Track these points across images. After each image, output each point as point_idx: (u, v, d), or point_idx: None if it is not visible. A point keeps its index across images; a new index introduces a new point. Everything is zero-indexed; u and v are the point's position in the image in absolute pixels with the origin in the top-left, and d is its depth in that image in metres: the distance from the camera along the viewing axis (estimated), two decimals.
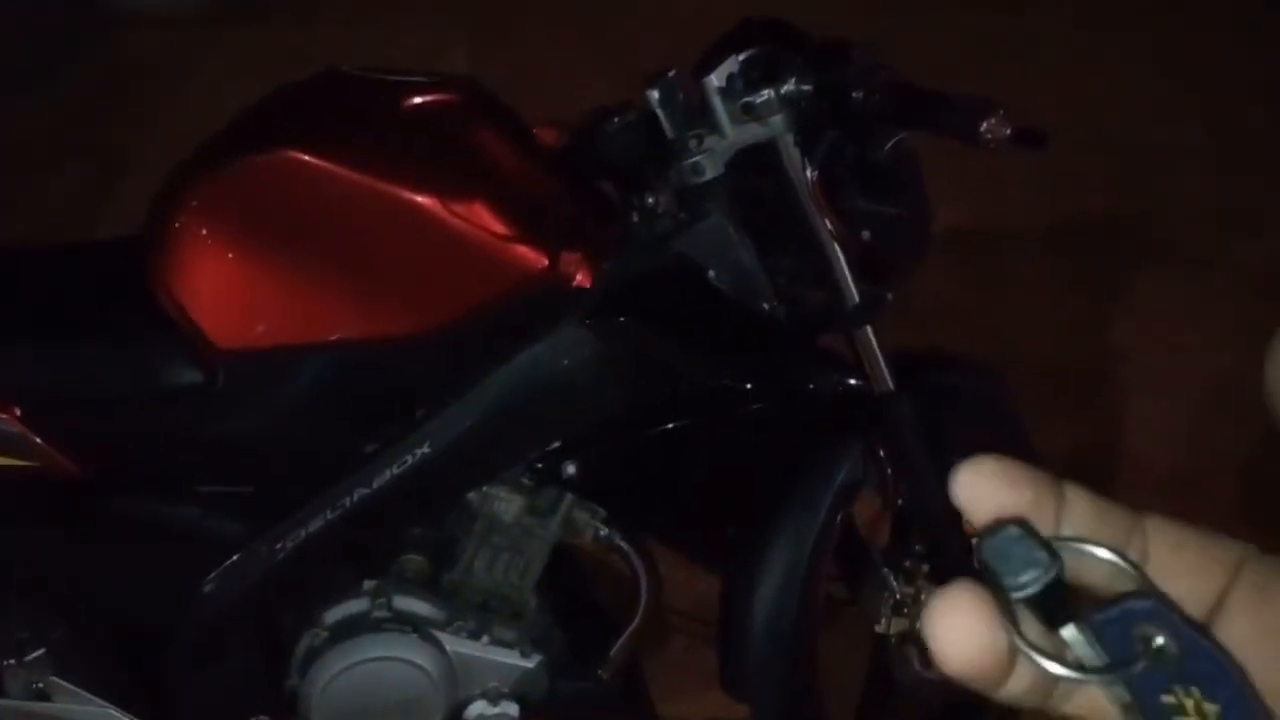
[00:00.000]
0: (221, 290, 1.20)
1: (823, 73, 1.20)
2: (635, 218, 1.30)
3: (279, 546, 1.30)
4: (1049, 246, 2.80)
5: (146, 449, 1.25)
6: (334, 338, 1.20)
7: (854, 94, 1.15)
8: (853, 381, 1.34)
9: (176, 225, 1.20)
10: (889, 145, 1.22)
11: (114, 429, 1.23)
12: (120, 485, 1.27)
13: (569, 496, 1.38)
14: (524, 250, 1.22)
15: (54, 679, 1.32)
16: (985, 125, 1.06)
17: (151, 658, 1.34)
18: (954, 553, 1.51)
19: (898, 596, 1.50)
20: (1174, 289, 2.67)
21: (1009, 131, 1.07)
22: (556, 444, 1.34)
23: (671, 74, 1.28)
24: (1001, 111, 1.06)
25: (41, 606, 1.33)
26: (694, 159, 1.25)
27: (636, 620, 1.43)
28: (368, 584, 1.39)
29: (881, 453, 1.43)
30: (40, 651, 1.31)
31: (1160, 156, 3.05)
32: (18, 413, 1.20)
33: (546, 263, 1.23)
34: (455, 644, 1.39)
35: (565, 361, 1.28)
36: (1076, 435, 2.28)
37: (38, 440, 1.21)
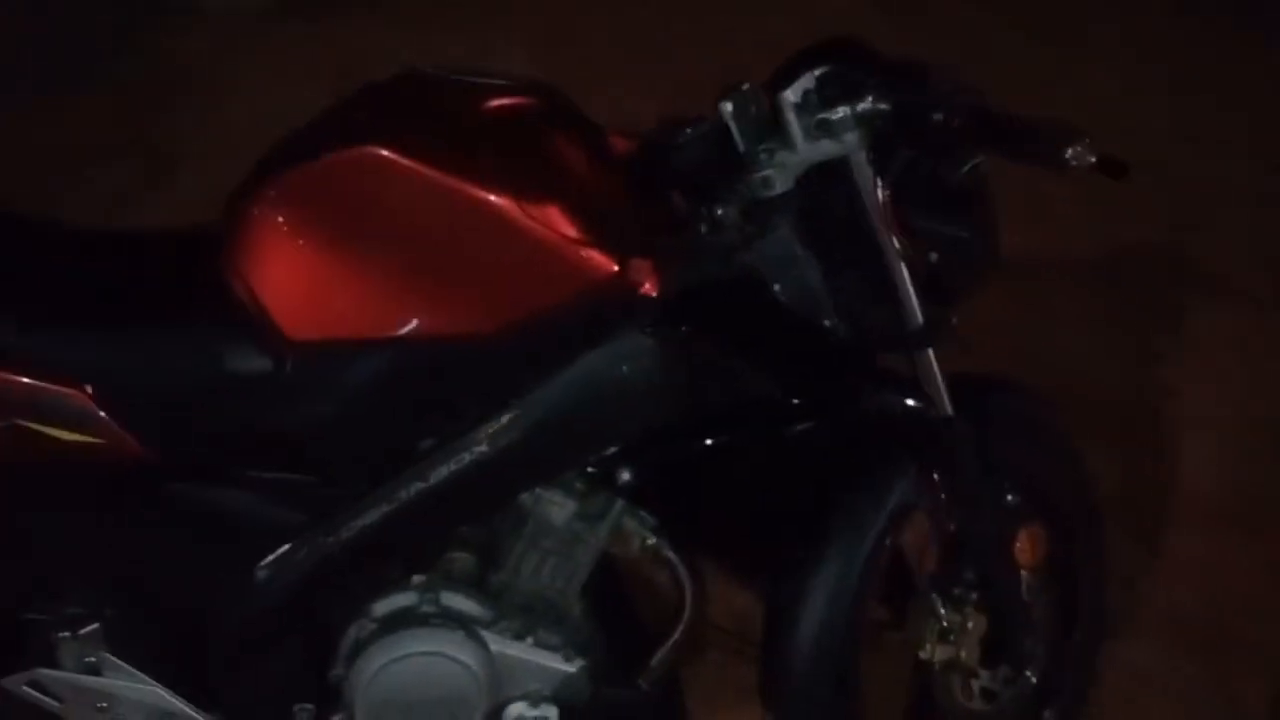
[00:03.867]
0: (294, 280, 1.21)
1: (901, 92, 1.20)
2: (703, 229, 1.30)
3: (333, 537, 1.31)
4: (1098, 276, 2.78)
5: (210, 433, 1.26)
6: (401, 333, 1.21)
7: (935, 115, 1.15)
8: (911, 403, 1.34)
9: (254, 213, 1.22)
10: (965, 168, 1.21)
11: (180, 411, 1.25)
12: (182, 467, 1.28)
13: (620, 503, 1.38)
14: (594, 255, 1.22)
15: (106, 654, 1.34)
16: (1070, 152, 1.05)
17: (202, 640, 1.35)
18: (1003, 581, 1.50)
19: (944, 623, 1.49)
20: (1224, 324, 2.64)
21: (1093, 159, 1.07)
22: (612, 450, 1.34)
23: (746, 87, 1.28)
24: (1087, 139, 1.06)
25: (98, 582, 1.35)
26: (764, 173, 1.25)
27: (679, 630, 1.43)
28: (416, 579, 1.39)
29: (936, 477, 1.42)
30: (94, 626, 1.33)
31: (1213, 189, 3.03)
32: (88, 390, 1.22)
33: (616, 268, 1.23)
34: (500, 644, 1.39)
35: (625, 368, 1.28)
36: (1122, 467, 2.25)
37: (104, 417, 1.23)
